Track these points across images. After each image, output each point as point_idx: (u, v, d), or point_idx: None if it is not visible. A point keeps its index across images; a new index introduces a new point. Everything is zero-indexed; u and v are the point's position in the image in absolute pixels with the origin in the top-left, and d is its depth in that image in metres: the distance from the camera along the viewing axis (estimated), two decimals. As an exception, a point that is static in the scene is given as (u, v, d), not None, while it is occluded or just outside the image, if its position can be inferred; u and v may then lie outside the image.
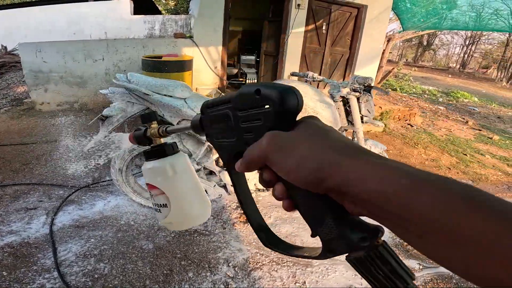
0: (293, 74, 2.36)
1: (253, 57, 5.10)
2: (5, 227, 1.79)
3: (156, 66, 3.34)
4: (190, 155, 1.83)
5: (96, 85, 4.06)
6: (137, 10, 5.80)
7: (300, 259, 1.81)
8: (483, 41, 24.45)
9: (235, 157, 0.32)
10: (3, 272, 1.47)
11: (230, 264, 1.71)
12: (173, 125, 1.61)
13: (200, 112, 0.38)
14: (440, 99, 9.58)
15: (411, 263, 1.89)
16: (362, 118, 2.02)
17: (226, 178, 1.89)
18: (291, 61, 4.56)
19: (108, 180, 2.42)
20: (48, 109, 4.01)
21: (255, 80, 4.59)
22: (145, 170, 0.47)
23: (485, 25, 6.26)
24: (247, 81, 4.59)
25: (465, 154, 4.28)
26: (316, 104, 1.82)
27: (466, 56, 24.98)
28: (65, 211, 2.00)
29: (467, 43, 24.61)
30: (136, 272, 1.59)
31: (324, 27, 4.61)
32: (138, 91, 1.63)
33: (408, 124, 5.54)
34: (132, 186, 2.02)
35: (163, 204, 0.46)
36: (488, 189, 3.17)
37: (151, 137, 0.47)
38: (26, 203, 2.05)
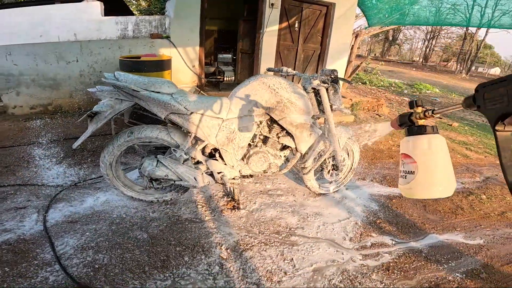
0: (269, 70, 2.53)
1: (229, 56, 5.22)
2: (-2, 227, 1.81)
3: (135, 66, 3.37)
4: (177, 146, 1.94)
5: (71, 87, 3.99)
6: (108, 12, 5.69)
7: (285, 240, 1.99)
8: (443, 35, 26.17)
9: (501, 118, 0.48)
10: (5, 268, 1.51)
11: (222, 247, 1.86)
12: (161, 118, 1.78)
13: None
14: (405, 91, 10.23)
15: (385, 239, 2.13)
16: (331, 107, 2.24)
17: (213, 166, 2.02)
18: (267, 58, 4.74)
19: (95, 178, 2.46)
20: (21, 113, 3.89)
21: (232, 78, 4.72)
22: (404, 142, 0.66)
23: (444, 20, 6.78)
24: (225, 78, 4.70)
25: (428, 140, 4.70)
26: (292, 95, 2.00)
27: (427, 50, 26.58)
28: (56, 208, 2.04)
29: (428, 37, 26.19)
30: (134, 260, 1.69)
31: (296, 25, 4.83)
32: (127, 88, 1.71)
33: (377, 114, 5.93)
34: (123, 180, 2.10)
35: (411, 171, 0.63)
36: (447, 169, 3.55)
37: (414, 119, 0.66)
38: (15, 203, 2.06)
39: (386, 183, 2.99)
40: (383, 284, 1.70)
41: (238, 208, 2.27)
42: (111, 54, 4.04)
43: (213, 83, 4.83)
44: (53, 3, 5.95)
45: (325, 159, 2.43)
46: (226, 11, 5.81)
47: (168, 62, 3.75)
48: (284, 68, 2.37)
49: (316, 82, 2.16)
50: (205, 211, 2.20)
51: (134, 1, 8.19)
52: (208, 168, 2.04)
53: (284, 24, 4.69)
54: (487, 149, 4.70)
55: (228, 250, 1.84)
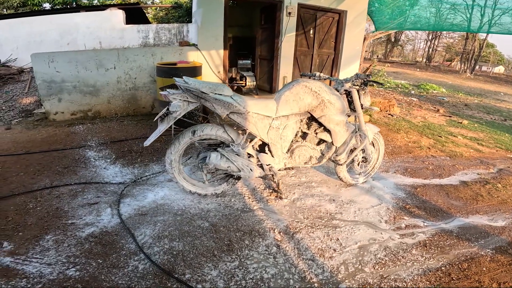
0: (303, 75, 2.81)
1: (249, 61, 5.51)
2: (79, 221, 2.06)
3: (172, 72, 3.66)
4: (233, 142, 2.21)
5: (109, 93, 4.30)
6: (128, 20, 6.04)
7: (327, 223, 2.25)
8: (445, 35, 26.44)
9: None
10: (98, 260, 1.73)
11: (275, 231, 2.11)
12: (221, 118, 2.16)
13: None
14: (412, 92, 10.47)
15: (416, 221, 2.37)
16: (361, 106, 2.53)
17: (263, 159, 2.29)
18: (285, 63, 5.02)
19: (150, 175, 2.74)
20: (62, 119, 4.20)
21: (254, 83, 5.01)
22: None
23: (445, 21, 6.99)
24: (247, 83, 4.99)
25: (440, 136, 4.94)
26: (331, 97, 2.28)
27: (430, 50, 26.83)
28: (124, 203, 2.31)
29: (430, 37, 26.46)
30: (203, 246, 1.92)
31: (311, 32, 5.11)
32: (197, 91, 1.99)
33: (389, 114, 6.19)
34: (183, 176, 2.37)
35: None
36: (464, 163, 3.79)
37: None
38: (86, 199, 2.33)
39: (408, 174, 3.24)
40: (424, 257, 1.95)
41: (281, 198, 2.53)
42: (145, 61, 4.35)
43: (234, 88, 5.12)
44: (79, 11, 6.34)
45: (356, 153, 2.69)
46: (242, 19, 6.13)
47: (200, 69, 4.06)
48: (317, 73, 2.67)
49: (348, 85, 2.47)
50: (253, 201, 2.46)
51: (150, 10, 8.54)
52: (258, 161, 2.31)
53: (300, 31, 4.98)
54: (498, 144, 4.92)
55: (281, 233, 2.10)
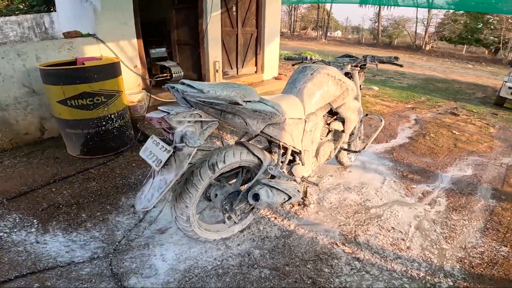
0: (288, 59, 2.45)
1: (163, 49, 4.54)
2: None
3: (74, 74, 2.54)
4: (261, 163, 1.72)
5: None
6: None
7: (368, 215, 2.14)
8: (301, 6, 29.95)
9: None
10: None
11: (338, 244, 1.84)
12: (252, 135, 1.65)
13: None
14: (301, 61, 11.50)
15: (424, 187, 2.57)
16: (360, 87, 2.45)
17: (297, 171, 1.90)
18: (213, 47, 4.39)
19: (134, 235, 1.88)
20: None
21: (181, 73, 4.17)
22: None
23: None
24: (173, 75, 4.11)
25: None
26: (350, 82, 2.07)
27: (292, 21, 30.03)
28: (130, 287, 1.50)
29: (290, 9, 29.50)
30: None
31: (234, 9, 4.61)
32: (223, 103, 1.32)
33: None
34: (204, 227, 1.72)
35: None
36: (392, 119, 4.41)
37: None
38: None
39: (377, 141, 3.50)
40: (466, 219, 2.15)
41: (305, 205, 2.23)
42: (7, 65, 2.87)
43: (159, 83, 4.17)
44: None
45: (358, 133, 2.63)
46: (146, 1, 4.91)
47: (118, 66, 2.98)
48: (308, 56, 2.37)
49: (349, 67, 2.29)
50: (282, 221, 2.06)
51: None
52: (292, 175, 1.91)
53: (223, 9, 4.41)
54: (392, 98, 6.00)
55: (345, 244, 1.85)
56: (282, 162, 1.77)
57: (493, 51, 22.25)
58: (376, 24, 25.02)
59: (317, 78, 1.90)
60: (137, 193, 1.43)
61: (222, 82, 1.49)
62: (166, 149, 1.30)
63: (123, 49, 3.62)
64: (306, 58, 2.37)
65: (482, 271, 1.72)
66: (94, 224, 1.95)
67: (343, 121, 2.21)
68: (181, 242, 1.81)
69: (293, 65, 2.47)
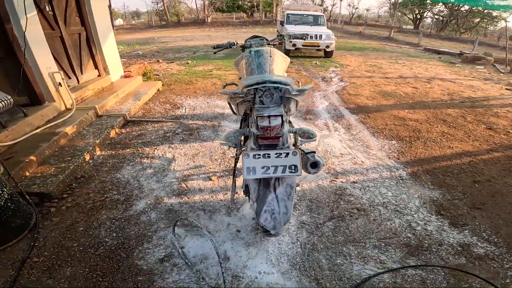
0: (217, 46, 2.42)
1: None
2: None
3: None
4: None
5: None
6: None
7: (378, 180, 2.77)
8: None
9: None
10: None
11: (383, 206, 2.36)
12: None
13: None
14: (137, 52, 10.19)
15: (392, 144, 3.45)
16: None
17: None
18: (42, 53, 3.18)
19: None
20: None
21: (9, 100, 2.87)
22: None
23: None
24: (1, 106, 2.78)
25: (210, 76, 6.02)
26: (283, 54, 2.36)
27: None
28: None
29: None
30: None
31: (47, 8, 3.43)
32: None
33: (155, 74, 6.17)
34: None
35: None
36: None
37: None
38: None
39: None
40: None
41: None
42: None
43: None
44: None
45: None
46: None
47: None
48: (234, 41, 2.46)
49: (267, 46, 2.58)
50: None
51: None
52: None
53: (36, 9, 3.23)
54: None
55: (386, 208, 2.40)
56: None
57: (250, 14, 28.11)
58: (161, 5, 25.06)
59: (277, 57, 2.09)
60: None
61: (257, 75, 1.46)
62: (288, 153, 1.26)
63: None
64: (234, 43, 2.44)
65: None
66: None
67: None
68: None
69: (215, 52, 2.48)
